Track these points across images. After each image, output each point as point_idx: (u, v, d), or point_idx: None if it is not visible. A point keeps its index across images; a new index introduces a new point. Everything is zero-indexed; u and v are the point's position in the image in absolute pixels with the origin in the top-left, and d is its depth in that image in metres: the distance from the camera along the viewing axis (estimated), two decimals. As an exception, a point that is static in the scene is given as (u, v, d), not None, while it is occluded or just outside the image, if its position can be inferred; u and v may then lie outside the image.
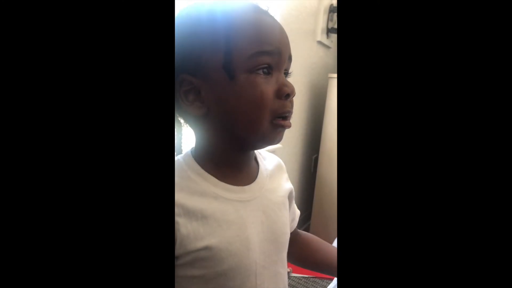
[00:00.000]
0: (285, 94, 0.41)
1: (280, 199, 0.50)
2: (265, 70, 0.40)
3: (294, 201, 0.58)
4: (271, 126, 0.42)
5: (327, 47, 2.17)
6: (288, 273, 1.67)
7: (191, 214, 0.40)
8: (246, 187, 0.45)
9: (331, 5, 1.98)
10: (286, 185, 0.53)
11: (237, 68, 0.39)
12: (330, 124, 1.94)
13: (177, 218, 0.39)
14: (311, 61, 1.96)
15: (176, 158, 0.46)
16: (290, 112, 0.43)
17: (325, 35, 2.02)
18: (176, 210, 0.39)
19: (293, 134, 1.90)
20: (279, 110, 0.41)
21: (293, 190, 0.55)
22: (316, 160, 2.13)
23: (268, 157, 0.54)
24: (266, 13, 0.42)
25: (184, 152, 0.48)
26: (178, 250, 0.40)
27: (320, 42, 2.01)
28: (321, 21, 1.92)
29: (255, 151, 0.50)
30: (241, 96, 0.39)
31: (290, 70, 0.46)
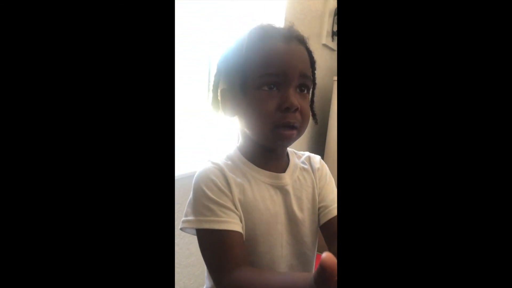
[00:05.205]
0: (284, 108, 0.49)
1: (310, 190, 0.59)
2: (271, 86, 0.50)
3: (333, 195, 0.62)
4: (272, 134, 0.51)
5: (332, 50, 2.17)
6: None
7: (238, 185, 0.53)
8: (280, 174, 0.56)
9: (336, 8, 1.98)
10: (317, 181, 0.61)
11: (249, 86, 0.50)
12: (335, 126, 1.93)
13: (233, 187, 0.52)
14: (316, 64, 1.95)
15: (228, 153, 0.58)
16: (290, 123, 0.50)
17: (330, 38, 2.02)
18: (232, 181, 0.52)
19: (298, 137, 1.89)
20: (279, 120, 0.50)
21: (334, 188, 0.62)
22: (321, 163, 2.12)
23: (302, 156, 0.63)
24: (278, 38, 0.51)
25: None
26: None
27: (325, 45, 2.01)
28: (326, 24, 1.92)
29: (290, 150, 0.63)
30: (249, 108, 0.51)
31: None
